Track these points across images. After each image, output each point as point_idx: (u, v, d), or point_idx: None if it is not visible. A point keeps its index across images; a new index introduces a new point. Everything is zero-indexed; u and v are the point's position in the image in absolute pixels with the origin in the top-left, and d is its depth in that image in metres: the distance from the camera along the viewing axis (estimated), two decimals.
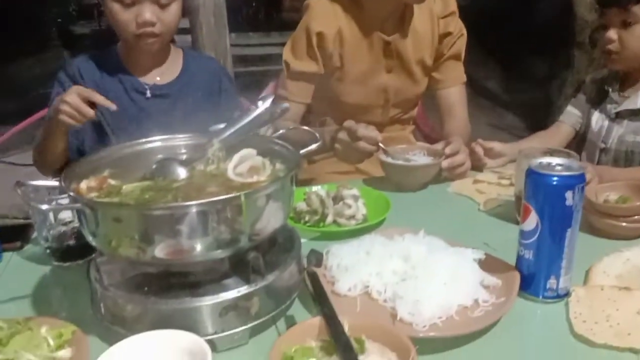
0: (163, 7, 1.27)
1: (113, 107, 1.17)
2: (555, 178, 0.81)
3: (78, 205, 0.72)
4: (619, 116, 1.47)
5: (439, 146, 1.37)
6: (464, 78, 1.66)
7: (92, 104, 1.17)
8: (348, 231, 1.08)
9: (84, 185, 0.82)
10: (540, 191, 0.82)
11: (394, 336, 0.66)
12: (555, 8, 4.70)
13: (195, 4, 2.07)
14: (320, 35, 1.49)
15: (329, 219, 1.13)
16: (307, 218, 1.14)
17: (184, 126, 1.38)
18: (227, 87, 1.53)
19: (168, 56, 1.44)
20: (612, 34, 1.40)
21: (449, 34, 1.58)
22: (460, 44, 1.62)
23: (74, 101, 1.14)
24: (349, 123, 1.35)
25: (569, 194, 0.80)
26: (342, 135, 1.36)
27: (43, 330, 0.73)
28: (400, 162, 1.30)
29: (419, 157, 1.35)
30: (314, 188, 1.23)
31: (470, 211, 1.20)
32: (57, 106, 1.17)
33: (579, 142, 1.60)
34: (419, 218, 1.16)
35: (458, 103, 1.65)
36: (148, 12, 1.25)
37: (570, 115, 1.60)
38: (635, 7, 1.35)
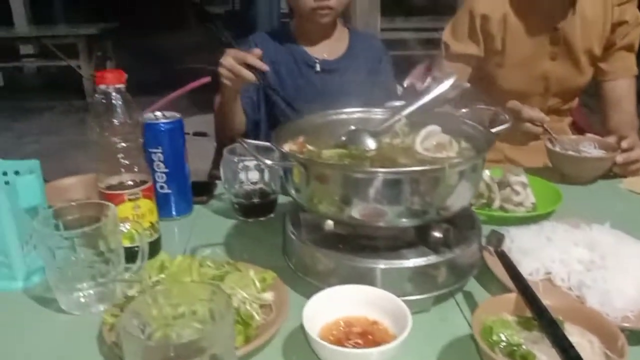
0: None
1: (265, 68, 1.21)
2: None
3: (292, 162, 0.79)
4: None
5: (611, 139, 1.31)
6: (635, 70, 1.56)
7: (250, 67, 1.20)
8: (517, 218, 1.07)
9: (286, 147, 0.90)
10: None
11: (597, 320, 0.66)
12: None
13: None
14: (484, 17, 1.49)
15: (496, 203, 1.13)
16: (472, 201, 1.14)
17: (348, 100, 1.49)
18: (386, 66, 1.59)
19: (335, 32, 1.52)
20: None
21: (624, 22, 1.49)
22: (635, 35, 1.51)
23: (230, 64, 1.20)
24: (513, 103, 1.33)
25: None
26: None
27: (251, 272, 0.81)
28: (571, 152, 1.26)
29: (589, 148, 1.30)
30: None
31: None
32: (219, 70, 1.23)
33: None
34: (590, 212, 1.12)
35: (626, 96, 1.55)
36: None
37: None
38: None
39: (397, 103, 1.20)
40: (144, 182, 0.97)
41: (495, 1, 1.49)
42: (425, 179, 0.76)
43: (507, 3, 1.49)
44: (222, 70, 1.23)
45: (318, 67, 1.49)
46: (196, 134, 2.45)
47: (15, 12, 6.75)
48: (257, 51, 1.22)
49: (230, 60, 1.20)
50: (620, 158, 1.24)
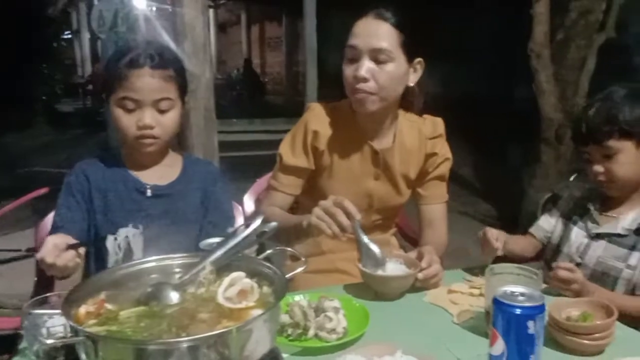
0: (162, 112, 1.41)
1: (82, 252, 1.20)
2: (518, 309, 0.89)
3: (81, 338, 0.77)
4: (598, 236, 1.52)
5: (412, 255, 1.46)
6: (446, 197, 1.75)
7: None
8: (330, 347, 1.13)
9: (83, 310, 0.88)
10: (505, 319, 0.90)
11: None
12: (525, 102, 4.94)
13: (187, 107, 2.22)
14: (315, 133, 1.60)
15: (311, 332, 1.17)
16: (289, 331, 1.18)
17: (179, 225, 1.46)
18: (222, 187, 1.62)
19: (165, 159, 1.54)
20: (598, 167, 1.49)
21: (434, 154, 1.69)
22: (444, 167, 1.72)
23: (52, 259, 1.13)
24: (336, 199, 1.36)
25: (530, 323, 0.88)
26: (324, 202, 1.36)
27: None
28: (378, 272, 1.37)
29: (395, 264, 1.43)
30: (297, 297, 1.28)
31: (445, 323, 1.26)
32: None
33: (554, 253, 1.65)
34: (395, 330, 1.23)
35: (439, 219, 1.74)
36: (148, 117, 1.39)
37: (539, 230, 1.71)
38: (610, 142, 1.44)
39: (213, 240, 1.24)
40: None
41: (327, 120, 1.62)
42: (219, 342, 0.79)
43: (338, 123, 1.62)
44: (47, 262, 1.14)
45: (149, 193, 1.48)
46: (30, 250, 2.24)
47: None
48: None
49: (50, 251, 1.13)
50: (420, 275, 1.38)
